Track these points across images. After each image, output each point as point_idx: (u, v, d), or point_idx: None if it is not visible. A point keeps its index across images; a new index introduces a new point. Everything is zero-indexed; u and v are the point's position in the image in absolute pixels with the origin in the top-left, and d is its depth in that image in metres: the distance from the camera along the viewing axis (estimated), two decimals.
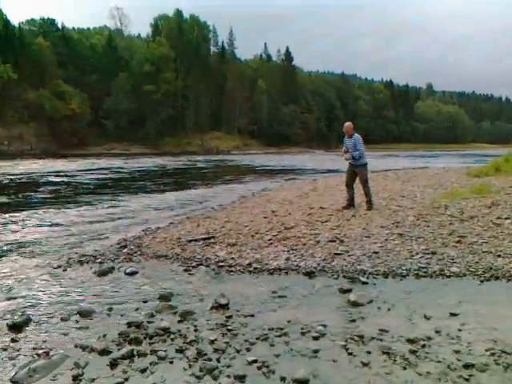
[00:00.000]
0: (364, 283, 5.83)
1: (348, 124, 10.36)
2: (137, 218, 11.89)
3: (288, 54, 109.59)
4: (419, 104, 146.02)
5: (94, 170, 30.96)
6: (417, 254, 6.78)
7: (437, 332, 4.39)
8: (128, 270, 6.63)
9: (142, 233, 9.52)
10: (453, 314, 4.78)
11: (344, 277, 6.11)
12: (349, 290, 5.53)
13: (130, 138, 78.61)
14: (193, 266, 6.79)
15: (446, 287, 5.63)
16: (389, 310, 4.98)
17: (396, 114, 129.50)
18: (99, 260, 7.32)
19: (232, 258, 7.02)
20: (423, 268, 6.24)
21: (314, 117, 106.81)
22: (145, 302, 5.36)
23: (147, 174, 28.83)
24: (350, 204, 10.48)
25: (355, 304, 5.12)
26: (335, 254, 6.94)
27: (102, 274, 6.57)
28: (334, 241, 7.59)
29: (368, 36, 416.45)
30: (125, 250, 7.89)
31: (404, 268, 6.26)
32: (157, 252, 7.65)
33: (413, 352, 4.02)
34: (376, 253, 6.88)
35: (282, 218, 9.84)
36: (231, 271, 6.54)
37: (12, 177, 24.33)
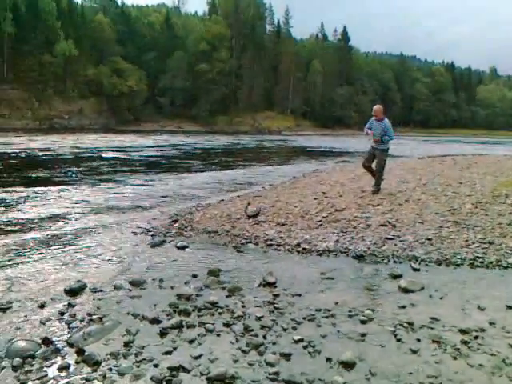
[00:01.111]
0: (415, 270, 5.70)
1: (378, 107, 10.02)
2: (188, 194, 12.12)
3: (345, 33, 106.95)
4: (481, 88, 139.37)
5: (149, 146, 31.70)
6: (473, 243, 6.55)
7: (491, 324, 4.23)
8: (179, 244, 6.79)
9: (193, 209, 9.70)
10: (509, 307, 4.58)
11: (395, 262, 6.01)
12: (399, 276, 5.42)
13: (184, 116, 79.74)
14: (242, 244, 6.87)
15: (502, 278, 5.41)
16: (441, 298, 4.85)
17: (456, 99, 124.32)
18: (151, 233, 7.54)
19: (281, 238, 7.04)
20: (479, 258, 6.02)
21: (369, 99, 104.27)
22: (194, 276, 5.47)
23: (199, 152, 29.22)
24: (377, 184, 10.27)
25: (406, 290, 5.02)
26: (386, 238, 6.83)
27: (154, 246, 6.77)
28: (386, 225, 7.46)
29: (430, 16, 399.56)
30: (176, 225, 8.07)
31: (459, 257, 6.07)
32: (207, 228, 7.78)
33: (465, 343, 3.90)
34: (429, 239, 6.70)
35: (333, 199, 9.74)
36: (280, 250, 6.57)
37: (79, 150, 25.33)
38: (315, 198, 9.94)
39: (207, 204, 10.24)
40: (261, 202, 9.87)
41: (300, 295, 4.90)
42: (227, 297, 4.87)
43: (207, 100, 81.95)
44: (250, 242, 6.91)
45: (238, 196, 11.44)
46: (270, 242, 6.86)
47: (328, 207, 8.90)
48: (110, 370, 3.50)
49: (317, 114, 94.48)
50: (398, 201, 9.42)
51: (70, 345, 3.85)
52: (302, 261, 6.13)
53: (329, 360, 3.64)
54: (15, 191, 11.56)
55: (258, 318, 4.32)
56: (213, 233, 7.52)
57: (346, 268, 5.81)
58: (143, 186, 13.36)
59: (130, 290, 5.03)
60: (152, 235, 7.40)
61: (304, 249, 6.54)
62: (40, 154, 22.49)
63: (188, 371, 3.48)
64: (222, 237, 7.30)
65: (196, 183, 14.28)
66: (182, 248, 6.67)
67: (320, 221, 7.88)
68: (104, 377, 3.41)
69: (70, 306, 4.61)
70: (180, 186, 13.59)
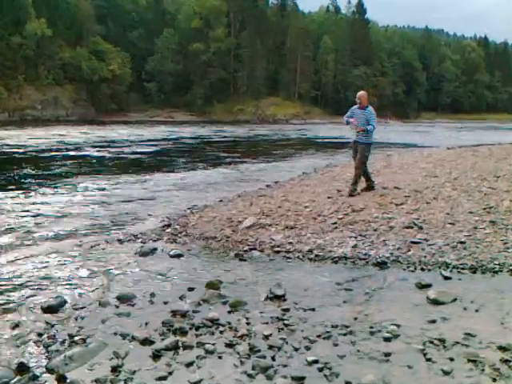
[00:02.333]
0: (446, 278, 5.70)
1: (363, 93, 10.07)
2: (182, 194, 12.16)
3: (360, 5, 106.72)
4: None
5: (135, 140, 31.77)
6: None
7: None
8: (172, 252, 6.81)
9: (188, 211, 9.74)
10: None
11: (422, 269, 6.02)
12: (428, 286, 5.43)
13: (175, 104, 79.89)
14: (245, 251, 6.89)
15: None
16: (477, 310, 4.85)
17: (491, 78, 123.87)
18: (140, 240, 7.57)
19: (290, 243, 7.06)
20: None
21: (390, 81, 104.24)
22: (191, 289, 5.49)
23: (193, 146, 29.28)
24: (370, 186, 10.24)
25: (435, 302, 5.02)
26: (412, 242, 6.85)
27: (143, 255, 6.80)
28: (411, 227, 7.47)
29: None
30: (168, 230, 8.10)
31: (496, 262, 6.07)
32: (204, 233, 7.81)
33: (505, 361, 3.90)
34: (462, 243, 6.70)
35: (350, 198, 9.74)
36: (289, 258, 6.59)
37: (50, 146, 25.41)
38: (329, 197, 9.94)
39: (204, 205, 10.26)
40: (266, 202, 9.89)
41: (313, 309, 4.91)
42: (229, 313, 4.88)
43: (202, 85, 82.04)
44: (255, 249, 6.93)
45: (239, 195, 11.45)
46: (277, 249, 6.88)
47: (344, 207, 8.90)
48: None
49: (329, 98, 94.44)
50: (425, 198, 9.41)
51: (50, 371, 3.87)
52: (315, 270, 6.14)
53: None
54: None
55: (266, 337, 4.33)
56: (211, 239, 7.54)
57: (366, 277, 5.82)
58: (129, 186, 13.41)
59: (117, 307, 5.05)
60: (141, 242, 7.43)
61: (317, 256, 6.56)
62: (9, 150, 22.59)
63: None
64: (221, 243, 7.33)
65: (190, 182, 14.31)
66: (176, 257, 6.70)
67: (335, 223, 7.88)
68: None
69: (49, 325, 4.63)
70: (172, 185, 13.63)
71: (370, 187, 10.28)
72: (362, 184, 10.28)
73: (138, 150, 24.52)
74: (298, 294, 5.30)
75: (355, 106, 9.98)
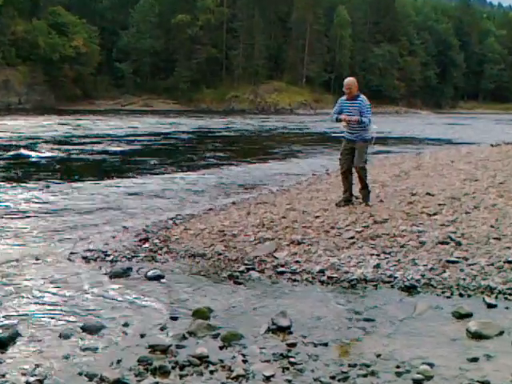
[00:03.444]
0: (491, 306, 5.71)
1: (352, 80, 10.00)
2: (162, 202, 12.20)
3: None
4: None
5: (102, 135, 31.76)
6: None
7: None
8: (150, 273, 6.80)
9: (170, 222, 9.74)
10: None
11: (461, 295, 6.03)
12: (468, 315, 5.44)
13: (154, 90, 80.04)
14: (241, 271, 6.90)
15: None
16: None
17: None
18: (111, 257, 7.56)
19: (296, 262, 7.07)
20: None
21: (419, 62, 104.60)
22: (174, 318, 5.48)
23: (177, 142, 29.29)
24: (348, 199, 10.08)
25: (477, 335, 5.02)
26: (448, 261, 6.85)
27: (114, 276, 6.79)
28: (447, 242, 7.48)
29: None
30: (146, 245, 8.10)
31: None
32: (190, 249, 7.81)
33: None
34: (510, 262, 6.71)
35: (370, 206, 9.76)
36: (295, 280, 6.60)
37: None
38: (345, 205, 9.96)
39: (190, 215, 10.27)
40: (267, 211, 9.89)
41: (326, 344, 4.90)
42: (221, 348, 4.87)
43: (188, 67, 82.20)
44: (253, 269, 6.94)
45: (234, 203, 11.47)
46: (281, 269, 6.89)
47: (363, 218, 8.92)
48: None
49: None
50: (464, 207, 9.43)
51: None
52: (328, 295, 6.14)
53: None
54: None
55: (267, 378, 4.33)
56: (199, 256, 7.54)
57: (391, 304, 5.83)
58: (96, 192, 13.37)
59: (83, 340, 5.04)
60: (112, 260, 7.42)
61: (330, 278, 6.57)
62: None
63: None
64: (212, 262, 7.33)
65: (172, 186, 14.36)
66: (155, 278, 6.69)
67: (352, 237, 7.89)
68: None
69: None
70: (149, 191, 13.67)
71: (346, 200, 10.06)
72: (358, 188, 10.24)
73: (107, 148, 24.44)
74: (307, 326, 5.29)
75: (343, 97, 9.94)
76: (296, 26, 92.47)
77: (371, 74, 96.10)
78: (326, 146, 26.91)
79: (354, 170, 10.01)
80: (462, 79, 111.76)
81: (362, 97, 9.81)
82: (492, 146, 23.36)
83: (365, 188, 10.04)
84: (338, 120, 9.89)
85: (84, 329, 5.22)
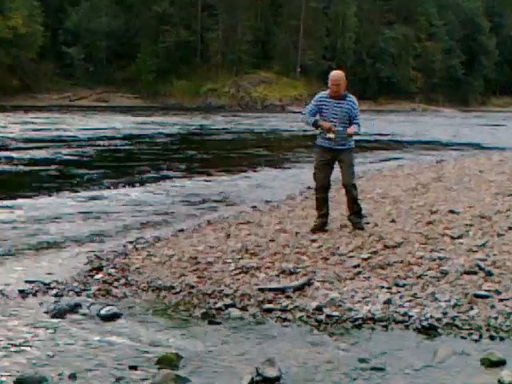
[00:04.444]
0: None
1: (341, 75, 9.71)
2: (119, 220, 12.15)
3: None
4: None
5: (44, 139, 31.63)
6: None
7: None
8: (104, 311, 6.73)
9: (130, 246, 9.68)
10: None
11: (491, 338, 6.01)
12: (500, 363, 5.42)
13: (111, 81, 79.92)
14: (218, 309, 6.84)
15: None
16: None
17: None
18: (55, 291, 7.47)
19: (288, 297, 7.04)
20: None
21: (441, 47, 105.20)
22: (133, 367, 5.43)
23: (138, 147, 29.23)
24: (325, 222, 9.95)
25: None
26: (476, 295, 6.84)
27: (58, 315, 6.70)
28: (475, 272, 7.48)
29: None
30: (99, 276, 8.03)
31: None
32: (155, 281, 7.75)
33: None
34: None
35: (379, 228, 9.78)
36: (286, 320, 6.55)
37: None
38: (347, 226, 9.97)
39: (155, 238, 10.23)
40: (251, 233, 9.87)
41: None
42: None
43: (153, 52, 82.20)
44: (233, 306, 6.89)
45: (209, 222, 11.43)
46: (268, 306, 6.83)
47: (371, 241, 8.94)
48: None
49: (348, 74, 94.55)
50: (496, 228, 9.46)
51: None
52: (327, 338, 6.12)
53: None
54: None
55: None
56: (165, 290, 7.50)
57: (406, 350, 5.80)
58: (34, 208, 13.26)
59: None
60: (56, 296, 7.34)
61: (329, 317, 6.52)
62: None
63: None
64: (181, 297, 7.28)
65: (133, 201, 14.35)
66: (111, 318, 6.62)
67: (357, 266, 7.89)
68: None
69: None
70: (105, 207, 13.62)
71: (324, 224, 9.86)
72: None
73: (47, 156, 24.15)
74: (301, 377, 5.27)
75: (324, 94, 9.75)
76: (288, 4, 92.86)
77: (381, 63, 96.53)
78: None
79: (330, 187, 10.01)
80: (494, 70, 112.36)
81: (352, 97, 9.69)
82: None
83: (359, 210, 9.91)
84: (316, 125, 9.62)
85: (20, 382, 5.16)
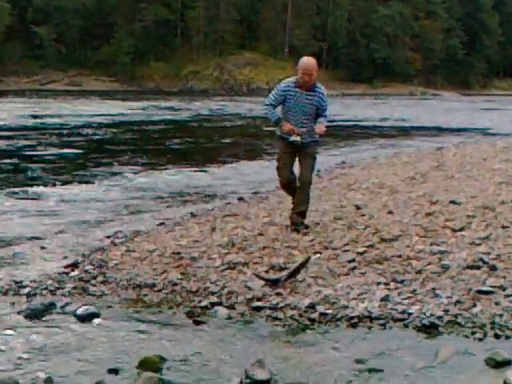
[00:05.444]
0: None
1: (314, 63, 9.37)
2: (96, 213, 12.18)
3: None
4: None
5: (16, 127, 31.50)
6: None
7: None
8: (80, 311, 6.72)
9: (108, 241, 9.68)
10: None
11: (496, 336, 6.04)
12: (506, 363, 5.43)
13: (85, 63, 79.63)
14: (203, 307, 6.85)
15: None
16: None
17: None
18: (28, 290, 7.45)
19: (278, 294, 7.03)
20: None
21: (441, 27, 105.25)
22: (113, 371, 5.43)
23: (116, 133, 29.17)
24: (300, 211, 9.65)
25: None
26: (479, 291, 6.86)
27: (32, 315, 6.68)
28: (478, 267, 7.50)
29: None
30: (75, 273, 8.01)
31: None
32: (135, 278, 7.74)
33: None
34: None
35: (375, 220, 9.81)
36: (276, 319, 6.55)
37: None
38: (341, 218, 10.00)
39: (134, 232, 10.23)
40: (238, 226, 9.87)
41: None
42: None
43: (130, 32, 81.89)
44: (220, 304, 6.89)
45: (193, 215, 11.44)
46: (257, 304, 6.83)
47: (367, 234, 8.97)
48: None
49: (340, 55, 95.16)
50: (501, 220, 9.50)
51: None
52: (320, 338, 6.12)
53: None
54: None
55: None
56: (146, 287, 7.49)
57: (405, 349, 5.81)
58: (4, 201, 13.25)
59: None
60: (28, 295, 7.33)
61: (323, 315, 6.52)
62: None
63: None
64: (164, 295, 7.27)
65: (111, 192, 14.42)
66: (88, 318, 6.61)
67: (352, 260, 7.90)
68: None
69: None
70: (81, 198, 13.67)
71: (299, 215, 9.61)
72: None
73: (14, 145, 24.20)
74: (293, 379, 5.27)
75: (291, 82, 9.41)
76: None
77: (376, 43, 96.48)
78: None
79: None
80: (497, 50, 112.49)
81: (322, 88, 9.45)
82: None
83: (305, 211, 9.63)
84: (277, 121, 9.41)
85: None
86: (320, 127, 9.26)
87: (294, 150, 9.50)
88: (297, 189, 9.60)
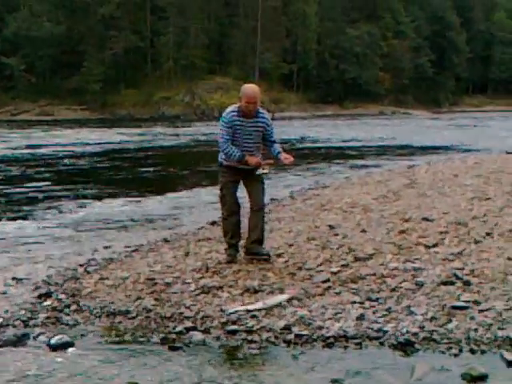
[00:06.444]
0: None
1: (256, 91, 9.02)
2: (68, 242, 12.15)
3: None
4: None
5: None
6: None
7: None
8: (54, 341, 6.68)
9: (81, 269, 9.63)
10: None
11: (472, 351, 6.06)
12: (482, 377, 5.47)
13: (56, 92, 79.41)
14: (178, 333, 6.83)
15: None
16: None
17: None
18: (0, 321, 7.40)
19: (253, 317, 7.02)
20: None
21: (409, 46, 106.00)
22: None
23: (87, 162, 29.13)
24: (237, 250, 9.44)
25: None
26: (454, 307, 6.89)
27: (4, 346, 6.65)
28: (452, 282, 7.55)
29: None
30: (48, 303, 7.97)
31: None
32: (108, 306, 7.71)
33: None
34: None
35: (349, 239, 9.84)
36: (252, 342, 6.54)
37: None
38: (314, 239, 10.02)
39: (107, 259, 10.21)
40: (212, 250, 9.87)
41: None
42: None
43: (100, 60, 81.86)
44: (195, 329, 6.88)
45: (166, 240, 11.44)
46: (232, 327, 6.82)
47: (341, 254, 9.00)
48: None
49: (311, 77, 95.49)
50: (473, 235, 9.56)
51: None
52: (296, 360, 6.12)
53: None
54: None
55: None
56: (120, 315, 7.46)
57: (381, 368, 5.82)
58: None
59: None
60: (1, 326, 7.26)
61: (298, 336, 6.53)
62: None
63: None
64: (138, 322, 7.24)
65: (82, 220, 14.40)
66: (62, 347, 6.58)
67: (327, 280, 7.92)
68: None
69: None
70: (52, 227, 13.63)
71: (235, 253, 9.33)
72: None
73: None
74: None
75: (235, 112, 9.04)
76: (244, 2, 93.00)
77: (346, 64, 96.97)
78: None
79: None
80: (466, 67, 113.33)
81: (264, 113, 9.25)
82: (508, 153, 23.84)
83: (262, 239, 9.31)
84: (240, 158, 8.91)
85: None
86: (288, 158, 8.93)
87: (239, 177, 9.27)
88: (250, 216, 9.31)
